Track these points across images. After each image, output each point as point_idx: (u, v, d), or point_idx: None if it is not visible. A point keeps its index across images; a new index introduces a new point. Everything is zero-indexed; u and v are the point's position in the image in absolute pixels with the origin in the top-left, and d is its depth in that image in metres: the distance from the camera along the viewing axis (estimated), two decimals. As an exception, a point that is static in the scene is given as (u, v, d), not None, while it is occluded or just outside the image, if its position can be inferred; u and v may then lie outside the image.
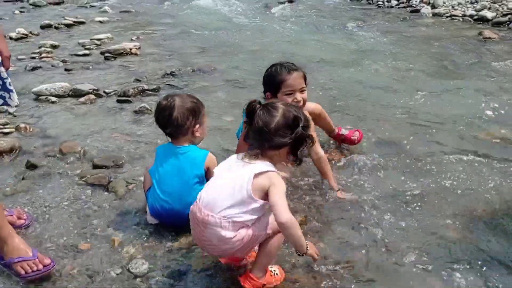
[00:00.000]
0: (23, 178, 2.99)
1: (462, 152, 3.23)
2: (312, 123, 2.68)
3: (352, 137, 3.29)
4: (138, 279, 2.13)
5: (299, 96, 2.68)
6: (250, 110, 2.02)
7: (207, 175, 2.37)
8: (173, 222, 2.41)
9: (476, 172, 3.00)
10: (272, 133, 1.98)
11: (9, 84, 2.43)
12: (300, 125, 2.00)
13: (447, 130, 3.60)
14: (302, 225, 2.43)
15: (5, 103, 2.48)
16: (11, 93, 2.45)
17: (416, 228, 2.47)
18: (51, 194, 2.81)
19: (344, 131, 3.32)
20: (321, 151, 2.86)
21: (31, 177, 3.00)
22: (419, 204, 2.68)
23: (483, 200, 2.71)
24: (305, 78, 2.76)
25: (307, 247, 1.95)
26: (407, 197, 2.75)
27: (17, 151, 3.36)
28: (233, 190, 1.92)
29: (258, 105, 2.02)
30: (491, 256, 2.24)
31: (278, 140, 1.98)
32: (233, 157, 2.09)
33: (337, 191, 2.79)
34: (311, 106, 3.02)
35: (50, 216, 2.59)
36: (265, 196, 1.92)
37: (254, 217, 1.94)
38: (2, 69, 2.36)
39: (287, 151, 2.04)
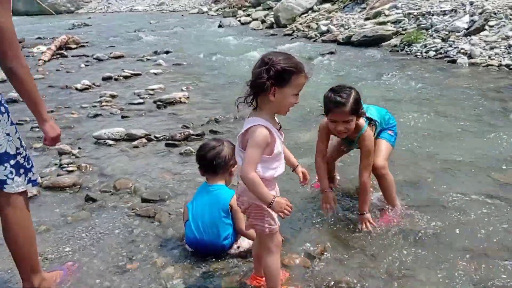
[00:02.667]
0: (82, 209, 3.45)
1: (480, 193, 3.41)
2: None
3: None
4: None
5: (340, 126, 2.91)
6: None
7: (232, 211, 2.72)
8: (204, 251, 2.75)
9: (492, 212, 3.16)
10: (253, 76, 2.08)
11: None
12: (266, 66, 2.03)
13: (469, 172, 3.79)
14: (322, 254, 2.73)
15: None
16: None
17: (430, 260, 2.68)
18: (105, 223, 3.23)
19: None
20: (365, 178, 3.01)
21: (89, 209, 3.45)
22: (434, 239, 2.89)
23: (496, 238, 2.87)
24: (355, 110, 2.90)
25: (272, 201, 2.04)
26: (424, 232, 2.96)
27: (78, 186, 3.86)
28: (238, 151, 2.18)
29: None
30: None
31: (253, 82, 2.06)
32: None
33: (362, 214, 3.03)
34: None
35: (104, 241, 3.00)
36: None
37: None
38: None
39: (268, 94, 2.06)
